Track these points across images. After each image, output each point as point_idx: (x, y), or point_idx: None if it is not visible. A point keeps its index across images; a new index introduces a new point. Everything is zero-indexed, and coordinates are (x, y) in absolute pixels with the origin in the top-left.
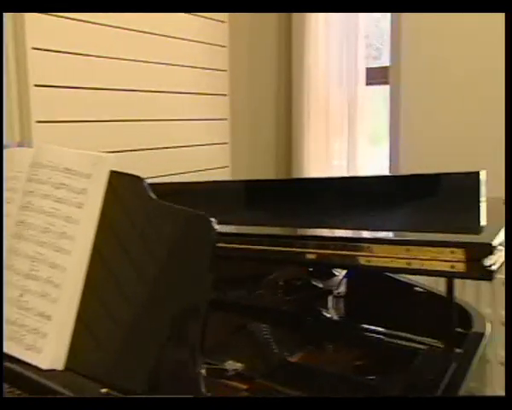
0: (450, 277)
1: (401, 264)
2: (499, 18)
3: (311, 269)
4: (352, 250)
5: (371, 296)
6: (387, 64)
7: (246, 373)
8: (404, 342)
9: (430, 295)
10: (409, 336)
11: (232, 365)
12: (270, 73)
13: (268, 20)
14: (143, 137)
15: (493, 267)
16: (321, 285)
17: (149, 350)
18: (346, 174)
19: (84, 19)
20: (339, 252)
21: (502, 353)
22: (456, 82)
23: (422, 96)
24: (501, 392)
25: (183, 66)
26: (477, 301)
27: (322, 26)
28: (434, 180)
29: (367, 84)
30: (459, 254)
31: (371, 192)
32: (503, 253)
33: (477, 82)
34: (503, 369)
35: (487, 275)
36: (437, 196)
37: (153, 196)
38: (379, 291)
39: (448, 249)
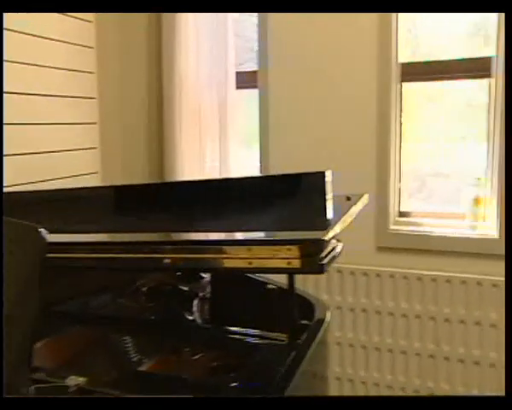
0: (287, 273)
1: (243, 264)
2: (364, 23)
3: (179, 273)
4: (197, 253)
5: (231, 297)
6: (256, 68)
7: (87, 387)
8: (256, 340)
9: (280, 290)
10: (262, 333)
11: (74, 380)
12: (141, 75)
13: (137, 21)
14: (8, 143)
15: (324, 261)
16: (187, 289)
17: None
18: (218, 176)
19: None
20: (185, 256)
21: (337, 334)
22: (322, 84)
23: (290, 98)
24: (336, 368)
25: (49, 67)
26: (316, 288)
27: (192, 29)
28: (285, 180)
29: (237, 87)
30: (295, 251)
31: (230, 194)
32: (339, 246)
33: (341, 85)
34: (338, 348)
35: (319, 269)
36: (288, 195)
37: None
38: (237, 292)
39: (285, 247)
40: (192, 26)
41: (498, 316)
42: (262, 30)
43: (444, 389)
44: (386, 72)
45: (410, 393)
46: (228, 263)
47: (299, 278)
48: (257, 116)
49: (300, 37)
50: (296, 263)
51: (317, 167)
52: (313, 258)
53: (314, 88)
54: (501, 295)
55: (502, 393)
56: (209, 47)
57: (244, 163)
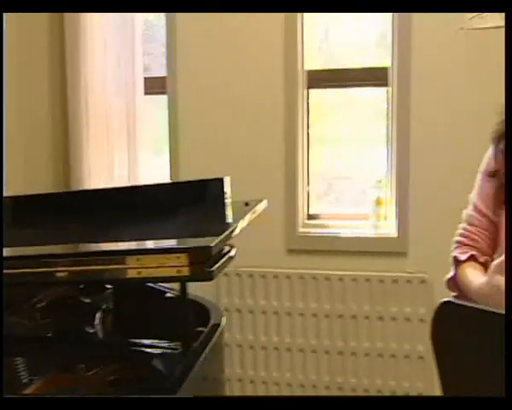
0: (177, 281)
1: (132, 274)
2: (271, 31)
3: (81, 286)
4: (86, 265)
5: (133, 308)
6: (165, 74)
7: None
8: (155, 350)
9: (176, 299)
10: (161, 342)
11: None
12: (43, 80)
13: (37, 22)
14: None
15: (214, 268)
16: (89, 301)
17: None
18: (127, 184)
19: None
20: (74, 268)
21: (237, 336)
22: (231, 91)
23: (199, 104)
24: (238, 370)
25: None
26: (228, 293)
27: (97, 30)
28: (187, 187)
29: (146, 93)
30: (183, 259)
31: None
32: (233, 251)
33: (249, 91)
34: (239, 350)
35: (209, 276)
36: (190, 202)
37: None
38: (139, 302)
39: (174, 255)
40: (97, 27)
41: (399, 310)
42: (170, 34)
43: (351, 382)
44: (292, 79)
45: (330, 391)
46: (117, 274)
47: (209, 283)
48: (166, 123)
49: (209, 43)
50: (185, 271)
51: (226, 173)
52: (202, 265)
53: (223, 94)
54: (400, 289)
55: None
56: (116, 51)
57: (154, 171)
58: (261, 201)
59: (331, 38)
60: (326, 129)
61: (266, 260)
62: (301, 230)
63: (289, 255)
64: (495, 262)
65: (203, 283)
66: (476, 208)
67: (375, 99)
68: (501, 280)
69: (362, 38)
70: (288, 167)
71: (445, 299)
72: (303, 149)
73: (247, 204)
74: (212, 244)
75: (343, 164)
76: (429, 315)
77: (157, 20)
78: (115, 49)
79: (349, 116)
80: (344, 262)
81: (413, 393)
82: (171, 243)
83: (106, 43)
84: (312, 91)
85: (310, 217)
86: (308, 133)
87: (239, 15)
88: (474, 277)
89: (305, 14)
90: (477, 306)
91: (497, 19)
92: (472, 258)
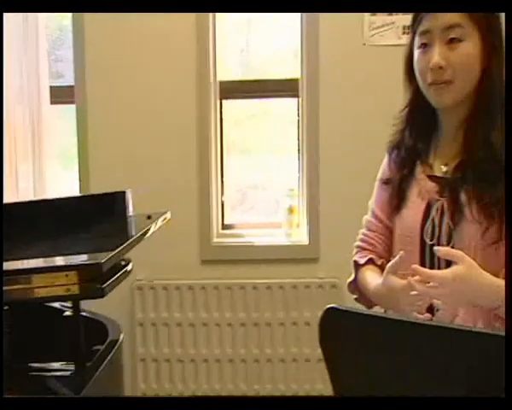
0: (69, 299)
1: (23, 294)
2: (182, 42)
3: None
4: None
5: (27, 329)
6: (73, 83)
7: None
8: (50, 373)
9: (72, 317)
10: (57, 365)
11: None
12: None
13: None
14: None
15: (105, 284)
16: None
17: None
18: (33, 197)
19: None
20: None
21: (153, 350)
22: (142, 101)
23: (110, 115)
24: (142, 384)
25: None
26: (143, 307)
27: None
28: (90, 201)
29: (52, 103)
30: (72, 277)
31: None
32: (129, 265)
33: (162, 102)
34: (155, 364)
35: (100, 293)
36: (92, 216)
37: None
38: (33, 323)
39: (63, 274)
40: None
41: (312, 315)
42: (77, 41)
43: (268, 388)
44: (204, 89)
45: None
46: (7, 294)
47: (123, 298)
48: (75, 133)
49: (119, 51)
50: (75, 289)
51: (139, 185)
52: (93, 283)
53: (134, 105)
54: (313, 295)
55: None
56: (17, 55)
57: (63, 184)
58: (165, 213)
59: (251, 49)
60: (240, 139)
61: (181, 272)
62: (216, 240)
63: (204, 266)
64: (389, 264)
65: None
66: (374, 214)
67: (288, 110)
68: (394, 280)
69: (281, 49)
70: (201, 178)
71: (330, 305)
72: (216, 160)
73: (149, 217)
74: (102, 261)
75: (257, 173)
76: None
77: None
78: (16, 53)
79: (263, 126)
80: (258, 271)
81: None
82: (60, 260)
83: (6, 46)
84: (227, 102)
85: (225, 227)
86: (222, 143)
87: (151, 25)
88: (372, 279)
89: (219, 25)
90: (361, 311)
91: (394, 38)
92: (370, 261)
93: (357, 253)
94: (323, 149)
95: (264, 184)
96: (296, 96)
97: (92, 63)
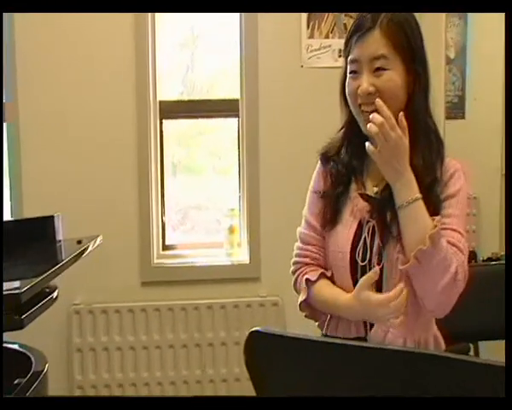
0: None
1: None
2: (121, 61)
3: None
4: None
5: None
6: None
7: None
8: None
9: None
10: None
11: None
12: None
13: None
14: None
15: (25, 315)
16: None
17: None
18: None
19: None
20: None
21: (91, 376)
22: (79, 121)
23: (44, 135)
24: None
25: None
26: (67, 332)
27: None
28: (16, 226)
29: None
30: None
31: None
32: (55, 293)
33: (99, 123)
34: (94, 391)
35: (18, 324)
36: (21, 241)
37: None
38: None
39: None
40: None
41: None
42: (9, 58)
43: None
44: (143, 109)
45: None
46: None
47: (60, 323)
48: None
49: (54, 69)
50: None
51: (76, 207)
52: (11, 314)
53: (70, 125)
54: (254, 313)
55: None
56: None
57: None
58: (96, 237)
59: (196, 68)
60: (183, 159)
61: (121, 295)
62: (156, 261)
63: (144, 288)
64: (362, 279)
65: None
66: (310, 226)
67: (229, 129)
68: (370, 295)
69: (224, 69)
70: (141, 198)
71: (254, 329)
72: (157, 180)
73: (79, 242)
74: (21, 291)
75: (199, 193)
76: None
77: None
78: None
79: (207, 146)
80: (200, 291)
81: None
82: None
83: None
84: (169, 121)
85: (166, 247)
86: (162, 163)
87: (88, 43)
88: (335, 293)
89: (163, 42)
90: (285, 333)
91: (331, 60)
92: (322, 275)
93: (299, 268)
94: (263, 168)
95: (206, 203)
96: (237, 115)
97: (25, 81)
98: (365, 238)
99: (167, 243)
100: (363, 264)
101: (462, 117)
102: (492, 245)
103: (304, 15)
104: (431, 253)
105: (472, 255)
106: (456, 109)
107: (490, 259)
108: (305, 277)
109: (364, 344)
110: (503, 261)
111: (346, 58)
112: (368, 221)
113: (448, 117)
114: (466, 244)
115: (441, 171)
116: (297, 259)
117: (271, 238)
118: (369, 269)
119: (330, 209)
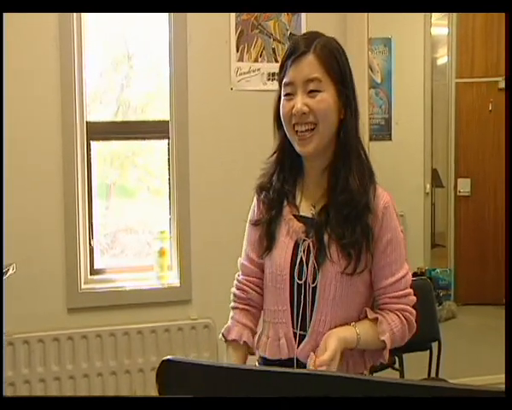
0: None
1: None
2: (47, 82)
3: None
4: None
5: None
6: None
7: None
8: None
9: None
10: None
11: None
12: None
13: None
14: None
15: None
16: None
17: None
18: None
19: None
20: None
21: None
22: (5, 142)
23: None
24: None
25: None
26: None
27: None
28: None
29: None
30: None
31: None
32: None
33: (25, 144)
34: None
35: None
36: None
37: None
38: None
39: None
40: None
41: (185, 356)
42: None
43: None
44: (69, 131)
45: None
46: None
47: None
48: None
49: None
50: None
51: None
52: None
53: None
54: (186, 337)
55: None
56: None
57: None
58: (9, 265)
59: (130, 89)
60: (111, 181)
61: (45, 323)
62: (84, 286)
63: (71, 315)
64: (308, 359)
65: None
66: (247, 256)
67: (160, 151)
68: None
69: (158, 90)
70: (67, 221)
71: (165, 358)
72: (84, 203)
73: None
74: None
75: (129, 216)
76: (215, 358)
77: None
78: None
79: (135, 168)
80: (130, 316)
81: None
82: None
83: None
84: (97, 143)
85: (94, 272)
86: (90, 186)
87: (12, 62)
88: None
89: (96, 60)
90: (197, 361)
91: (260, 83)
92: (238, 339)
93: (235, 308)
94: (193, 189)
95: (136, 226)
96: (167, 137)
97: None
98: (301, 257)
99: (96, 267)
100: (300, 282)
101: (389, 139)
102: (418, 260)
103: (233, 39)
104: (392, 342)
105: None
106: (383, 131)
107: (415, 274)
108: (223, 332)
109: (272, 369)
110: (428, 276)
111: (281, 82)
112: (304, 240)
113: (375, 139)
114: (410, 275)
115: (374, 196)
116: (233, 289)
117: (202, 260)
118: (306, 287)
119: (265, 234)
